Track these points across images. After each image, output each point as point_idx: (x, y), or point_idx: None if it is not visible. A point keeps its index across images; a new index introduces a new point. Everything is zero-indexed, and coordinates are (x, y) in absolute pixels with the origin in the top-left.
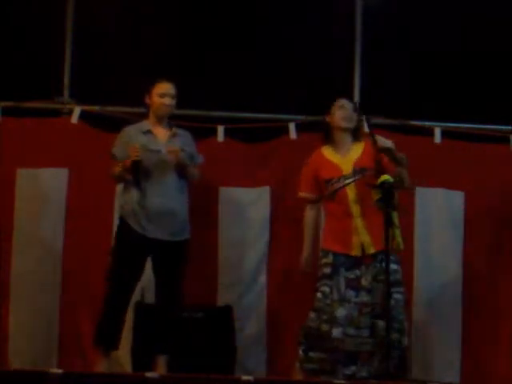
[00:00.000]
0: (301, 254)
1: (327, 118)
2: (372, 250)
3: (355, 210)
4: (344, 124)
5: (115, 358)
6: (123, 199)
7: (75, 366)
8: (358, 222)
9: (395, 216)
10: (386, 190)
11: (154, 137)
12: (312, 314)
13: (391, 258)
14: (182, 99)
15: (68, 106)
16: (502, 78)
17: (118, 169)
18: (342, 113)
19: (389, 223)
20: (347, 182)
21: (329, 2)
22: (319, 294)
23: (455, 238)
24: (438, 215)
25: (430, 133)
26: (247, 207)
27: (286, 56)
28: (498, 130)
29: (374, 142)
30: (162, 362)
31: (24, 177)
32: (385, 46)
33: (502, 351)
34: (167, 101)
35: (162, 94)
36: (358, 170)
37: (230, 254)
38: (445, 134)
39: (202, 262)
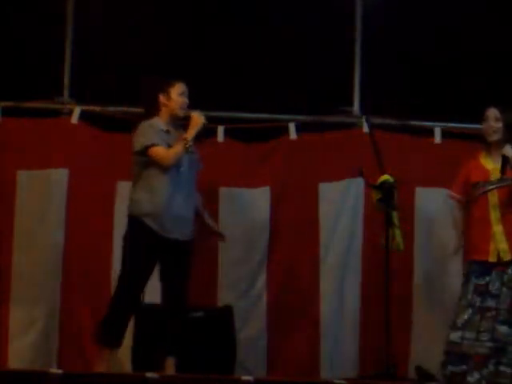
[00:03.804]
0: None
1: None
2: (508, 257)
3: (493, 216)
4: (489, 138)
5: (115, 358)
6: (142, 197)
7: (75, 365)
8: (496, 229)
9: (395, 216)
10: (386, 190)
11: (173, 138)
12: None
13: None
14: None
15: (68, 106)
16: (502, 77)
17: (179, 146)
18: (485, 126)
19: (389, 223)
20: (490, 187)
21: (329, 2)
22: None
23: (455, 237)
24: (438, 215)
25: (430, 133)
26: (247, 207)
27: (285, 56)
28: None
29: (374, 143)
30: (169, 364)
31: (24, 177)
32: (385, 46)
33: None
34: (186, 100)
35: (182, 93)
36: (505, 178)
37: (230, 254)
38: (445, 133)
39: (202, 262)
